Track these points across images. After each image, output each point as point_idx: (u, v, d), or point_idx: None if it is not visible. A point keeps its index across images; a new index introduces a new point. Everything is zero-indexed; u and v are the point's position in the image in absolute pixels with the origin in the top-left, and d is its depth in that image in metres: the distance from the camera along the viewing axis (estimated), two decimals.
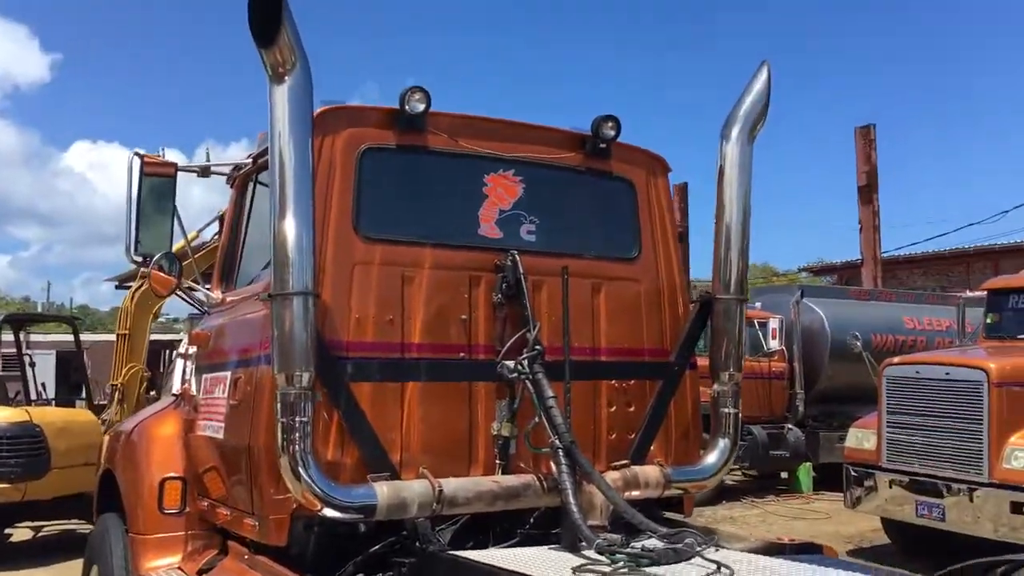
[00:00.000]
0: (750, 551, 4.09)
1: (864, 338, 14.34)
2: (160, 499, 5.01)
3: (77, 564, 6.44)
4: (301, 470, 3.79)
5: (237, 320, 4.73)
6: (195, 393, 5.11)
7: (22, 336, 13.13)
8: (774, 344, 14.58)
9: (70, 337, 13.64)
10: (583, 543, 3.79)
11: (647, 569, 3.33)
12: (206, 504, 4.89)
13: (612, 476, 4.43)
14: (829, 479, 14.31)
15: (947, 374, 9.41)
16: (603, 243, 4.93)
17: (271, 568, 4.16)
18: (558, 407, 4.18)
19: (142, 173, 4.86)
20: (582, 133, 4.83)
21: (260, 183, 4.86)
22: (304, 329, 3.81)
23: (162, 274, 4.82)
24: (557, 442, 4.12)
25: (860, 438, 10.36)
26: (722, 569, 3.29)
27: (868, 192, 21.67)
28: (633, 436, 4.75)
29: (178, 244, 5.46)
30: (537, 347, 4.31)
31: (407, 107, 4.32)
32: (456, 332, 4.40)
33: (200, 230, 6.74)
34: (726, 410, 4.81)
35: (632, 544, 3.62)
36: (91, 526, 6.83)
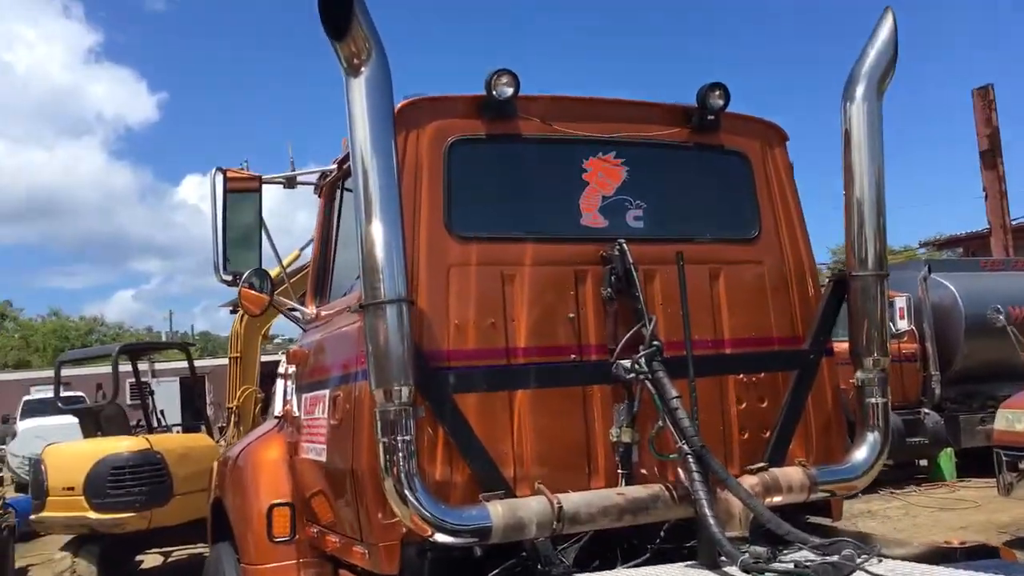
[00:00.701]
0: (916, 559, 3.61)
1: (1003, 311, 13.36)
2: (269, 527, 4.79)
3: None
4: (407, 492, 3.52)
5: (332, 335, 4.51)
6: (297, 414, 4.91)
7: (146, 365, 13.42)
8: (903, 324, 13.74)
9: None
10: (724, 559, 3.45)
11: None
12: (315, 531, 4.66)
13: (750, 481, 3.99)
14: (972, 464, 13.48)
15: None
16: (719, 224, 4.52)
17: None
18: (683, 407, 3.78)
19: (226, 189, 4.68)
20: (687, 106, 4.43)
21: (347, 189, 4.63)
22: (400, 340, 3.53)
23: (253, 291, 4.63)
24: (686, 447, 3.74)
25: (1011, 419, 9.61)
26: None
27: (991, 156, 20.47)
28: (768, 434, 4.31)
29: (275, 270, 5.30)
30: (655, 343, 3.93)
31: (495, 92, 4.01)
32: (564, 332, 4.07)
33: (302, 249, 6.58)
34: (873, 400, 4.32)
35: (780, 558, 3.24)
36: None
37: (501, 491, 3.77)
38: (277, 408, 5.64)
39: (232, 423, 11.28)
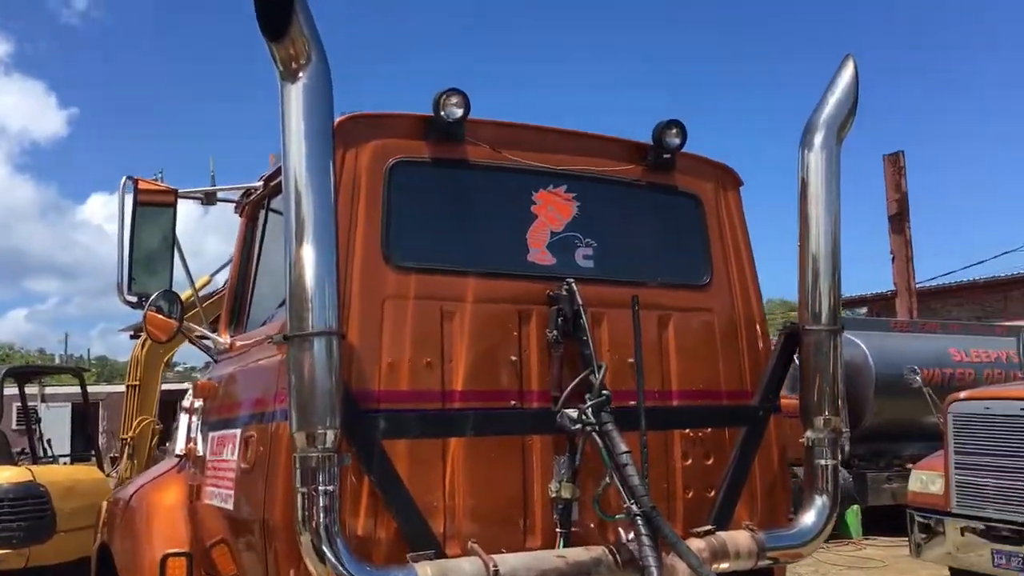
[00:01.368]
0: None
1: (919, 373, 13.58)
2: None
3: None
4: (326, 549, 3.14)
5: (248, 368, 4.10)
6: (201, 453, 4.46)
7: (36, 389, 12.71)
8: None
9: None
10: None
11: None
12: None
13: (697, 545, 3.73)
14: (877, 522, 13.52)
15: (1022, 410, 8.66)
16: (669, 268, 4.30)
17: None
18: (634, 464, 3.49)
19: (136, 201, 4.24)
20: (642, 143, 4.22)
21: (273, 210, 4.26)
22: (327, 377, 3.17)
23: (160, 316, 4.19)
24: (635, 507, 3.45)
25: (925, 481, 9.59)
26: None
27: (900, 220, 21.02)
28: (713, 494, 4.06)
29: (186, 293, 4.86)
30: (604, 392, 3.65)
31: (442, 113, 3.73)
32: (506, 376, 3.76)
33: (213, 274, 6.12)
34: (823, 462, 4.14)
35: None
36: None
37: (431, 550, 3.41)
38: (179, 446, 5.16)
39: (126, 455, 10.80)
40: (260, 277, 4.45)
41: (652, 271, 4.20)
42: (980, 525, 8.70)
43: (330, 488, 3.15)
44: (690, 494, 4.04)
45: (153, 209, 4.30)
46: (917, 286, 22.08)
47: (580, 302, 3.78)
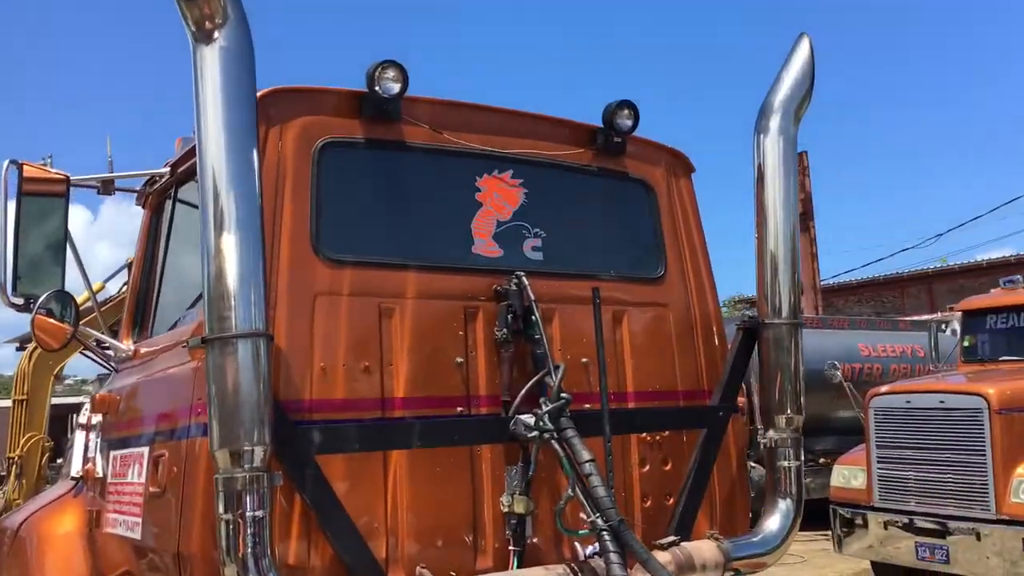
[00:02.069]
0: None
1: (823, 368, 13.73)
2: None
3: None
4: None
5: (156, 377, 3.66)
6: (101, 475, 3.97)
7: None
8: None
9: None
10: None
11: None
12: None
13: (662, 558, 3.45)
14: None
15: (941, 402, 8.80)
16: (622, 260, 4.04)
17: None
18: (598, 474, 3.18)
19: (21, 189, 3.72)
20: (592, 125, 3.94)
21: (181, 201, 3.80)
22: (255, 385, 2.78)
23: (51, 320, 3.68)
24: (600, 521, 3.14)
25: (847, 476, 9.66)
26: None
27: (805, 220, 21.47)
28: (672, 501, 3.79)
29: (82, 296, 4.36)
30: (563, 396, 3.33)
31: (378, 88, 3.36)
32: (451, 380, 3.44)
33: (106, 280, 5.59)
34: (786, 463, 3.95)
35: None
36: None
37: None
38: (75, 467, 4.62)
39: (13, 475, 10.11)
40: (167, 275, 4.02)
41: (604, 263, 3.95)
42: (903, 519, 8.77)
43: (259, 514, 2.76)
44: (648, 502, 3.80)
45: (42, 199, 3.79)
46: (821, 284, 22.64)
47: (532, 297, 3.48)
